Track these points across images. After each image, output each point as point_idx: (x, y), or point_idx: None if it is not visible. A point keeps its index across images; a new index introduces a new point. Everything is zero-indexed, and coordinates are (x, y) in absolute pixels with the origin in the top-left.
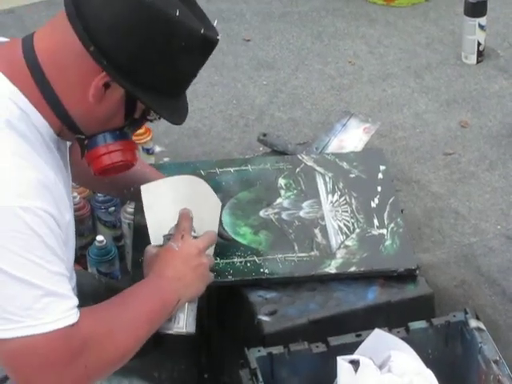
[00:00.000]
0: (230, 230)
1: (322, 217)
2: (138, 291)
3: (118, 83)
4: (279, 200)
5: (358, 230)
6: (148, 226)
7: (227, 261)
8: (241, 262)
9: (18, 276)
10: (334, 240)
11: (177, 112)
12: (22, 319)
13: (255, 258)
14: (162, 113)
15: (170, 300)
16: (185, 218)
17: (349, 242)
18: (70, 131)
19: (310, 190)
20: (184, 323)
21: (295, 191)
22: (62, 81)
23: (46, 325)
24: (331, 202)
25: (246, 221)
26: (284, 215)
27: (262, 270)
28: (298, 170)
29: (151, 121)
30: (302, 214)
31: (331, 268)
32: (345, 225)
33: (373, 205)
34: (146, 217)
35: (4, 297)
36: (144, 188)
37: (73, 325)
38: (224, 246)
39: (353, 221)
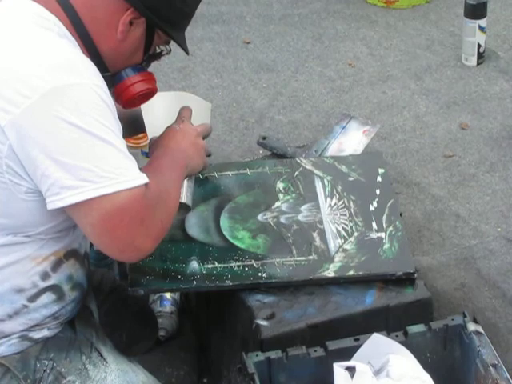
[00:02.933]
0: (228, 234)
1: (321, 220)
2: (163, 163)
3: (147, 17)
4: (277, 204)
5: (356, 234)
6: (147, 132)
7: (225, 265)
8: (239, 267)
9: (107, 139)
10: (333, 244)
11: (185, 43)
12: (116, 176)
13: (253, 262)
14: (180, 42)
15: (184, 167)
16: (185, 109)
17: (347, 246)
18: (96, 66)
19: (309, 194)
20: (184, 195)
21: (293, 195)
22: (93, 19)
23: (134, 180)
24: (330, 205)
25: (245, 225)
26: (282, 219)
27: (260, 274)
28: (296, 173)
29: (162, 55)
30: (300, 217)
31: (329, 272)
32: (343, 228)
33: (371, 208)
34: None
35: (98, 157)
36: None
37: (146, 184)
38: (222, 250)
39: (351, 224)
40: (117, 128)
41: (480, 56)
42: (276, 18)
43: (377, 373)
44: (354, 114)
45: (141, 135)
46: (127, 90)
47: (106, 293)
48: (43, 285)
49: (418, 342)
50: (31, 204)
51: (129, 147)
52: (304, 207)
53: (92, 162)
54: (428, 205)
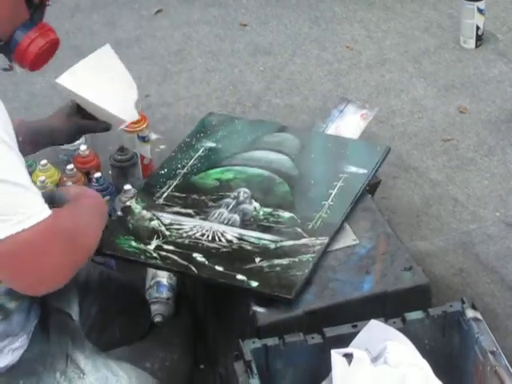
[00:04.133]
0: None
1: None
2: (81, 205)
3: None
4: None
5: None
6: (98, 104)
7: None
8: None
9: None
10: None
11: None
12: (12, 217)
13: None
14: None
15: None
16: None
17: None
18: None
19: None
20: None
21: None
22: None
23: (38, 214)
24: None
25: None
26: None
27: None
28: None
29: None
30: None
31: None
32: None
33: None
34: (88, 98)
35: None
36: (61, 80)
37: (51, 217)
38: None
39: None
40: (10, 155)
41: (479, 38)
42: (273, 1)
43: (374, 359)
44: (351, 97)
45: (136, 119)
46: (27, 52)
47: (94, 291)
48: None
49: (416, 329)
50: None
51: (125, 131)
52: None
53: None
54: (426, 189)
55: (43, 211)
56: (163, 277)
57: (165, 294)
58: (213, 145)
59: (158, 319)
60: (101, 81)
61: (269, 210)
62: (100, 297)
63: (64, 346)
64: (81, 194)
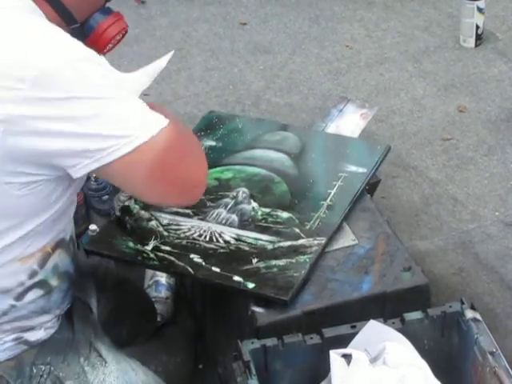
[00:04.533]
0: None
1: None
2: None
3: None
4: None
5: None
6: None
7: None
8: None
9: (118, 97)
10: None
11: None
12: (143, 125)
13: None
14: None
15: None
16: None
17: None
18: (64, 21)
19: None
20: None
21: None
22: None
23: (162, 122)
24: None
25: None
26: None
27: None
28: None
29: None
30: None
31: None
32: None
33: None
34: None
35: (118, 116)
36: None
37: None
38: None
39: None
40: (118, 81)
41: (478, 37)
42: None
43: (373, 360)
44: (351, 96)
45: None
46: (102, 36)
47: (109, 289)
48: (30, 282)
49: (415, 329)
50: (28, 197)
51: None
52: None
53: (114, 122)
54: (426, 189)
55: (162, 118)
56: (162, 276)
57: (163, 293)
58: (213, 143)
59: (157, 319)
60: None
61: (267, 210)
62: (115, 296)
63: (87, 334)
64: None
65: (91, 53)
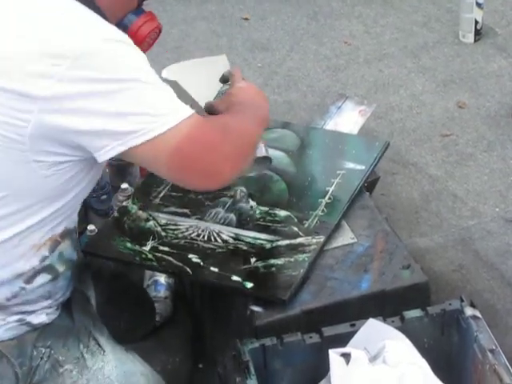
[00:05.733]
0: None
1: None
2: (243, 110)
3: None
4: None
5: None
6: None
7: None
8: None
9: (148, 81)
10: None
11: None
12: (171, 111)
13: None
14: None
15: (264, 119)
16: (235, 69)
17: None
18: None
19: None
20: (264, 149)
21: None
22: None
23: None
24: None
25: None
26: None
27: None
28: None
29: None
30: None
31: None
32: None
33: None
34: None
35: (147, 100)
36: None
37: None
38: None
39: None
40: (149, 66)
41: (477, 33)
42: None
43: (373, 359)
44: (349, 93)
45: None
46: (136, 36)
47: (106, 280)
48: (39, 266)
49: (415, 328)
50: (53, 178)
51: None
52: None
53: (143, 105)
54: (425, 185)
55: (184, 108)
56: (161, 275)
57: (162, 292)
58: None
59: (156, 318)
60: (205, 81)
61: (265, 208)
62: (110, 288)
63: (87, 324)
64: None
65: (128, 38)
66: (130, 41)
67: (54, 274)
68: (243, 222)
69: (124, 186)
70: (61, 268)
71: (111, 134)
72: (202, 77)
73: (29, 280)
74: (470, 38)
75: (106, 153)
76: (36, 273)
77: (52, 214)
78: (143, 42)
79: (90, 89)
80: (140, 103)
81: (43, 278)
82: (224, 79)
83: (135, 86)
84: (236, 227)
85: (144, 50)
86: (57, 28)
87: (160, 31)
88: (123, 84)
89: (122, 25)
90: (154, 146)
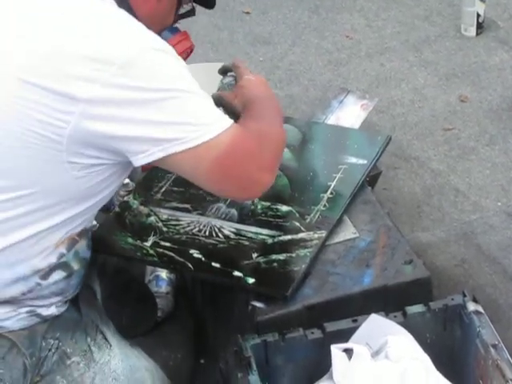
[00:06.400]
0: None
1: None
2: (262, 106)
3: None
4: None
5: None
6: None
7: None
8: None
9: (191, 90)
10: None
11: None
12: (212, 121)
13: None
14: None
15: (278, 110)
16: (239, 61)
17: None
18: None
19: None
20: None
21: None
22: None
23: (229, 120)
24: None
25: None
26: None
27: None
28: None
29: (190, 14)
30: None
31: None
32: None
33: None
34: None
35: (189, 109)
36: None
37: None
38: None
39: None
40: (190, 76)
41: (479, 26)
42: None
43: (375, 354)
44: (351, 86)
45: None
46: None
47: (109, 276)
48: (56, 263)
49: (417, 323)
50: (84, 180)
51: None
52: None
53: (186, 114)
54: (427, 179)
55: (225, 118)
56: (162, 271)
57: (164, 288)
58: None
59: (157, 314)
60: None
61: (267, 203)
62: (114, 283)
63: (94, 318)
64: (256, 98)
65: (172, 48)
66: (173, 51)
67: (69, 271)
68: (245, 217)
69: (125, 180)
70: (76, 266)
71: (152, 140)
72: (201, 83)
73: (45, 276)
74: (472, 31)
75: (144, 157)
76: (52, 269)
77: (76, 214)
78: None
79: (134, 96)
80: (182, 112)
81: (58, 275)
82: (223, 70)
83: (177, 95)
84: (237, 222)
85: None
86: (103, 33)
87: (192, 51)
88: (166, 93)
89: None
90: (195, 155)
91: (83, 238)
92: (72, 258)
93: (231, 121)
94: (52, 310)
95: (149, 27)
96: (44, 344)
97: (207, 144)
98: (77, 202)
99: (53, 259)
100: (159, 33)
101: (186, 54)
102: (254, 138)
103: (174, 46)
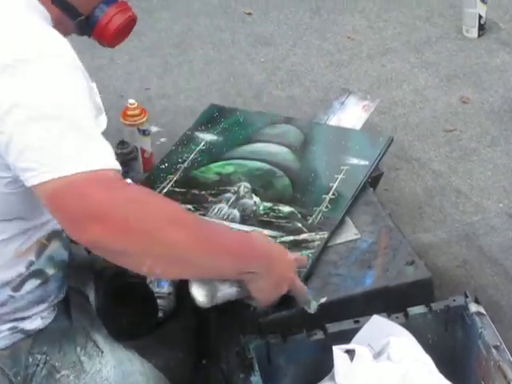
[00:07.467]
0: None
1: None
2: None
3: None
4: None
5: None
6: None
7: None
8: None
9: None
10: None
11: None
12: (75, 158)
13: None
14: None
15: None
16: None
17: None
18: (68, 16)
19: None
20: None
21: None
22: None
23: (89, 164)
24: None
25: None
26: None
27: None
28: None
29: None
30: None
31: None
32: None
33: None
34: None
35: (55, 140)
36: None
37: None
38: None
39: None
40: (87, 105)
41: (481, 27)
42: None
43: (377, 355)
44: (353, 87)
45: (137, 112)
46: (108, 26)
47: (109, 276)
48: (26, 273)
49: (419, 324)
50: (14, 196)
51: (126, 125)
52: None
53: (46, 146)
54: (429, 180)
55: (104, 160)
56: None
57: (166, 288)
58: (214, 137)
59: (159, 314)
60: None
61: (269, 204)
62: (114, 284)
63: (84, 323)
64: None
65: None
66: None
67: (44, 278)
68: (247, 217)
69: (127, 181)
70: (50, 271)
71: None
72: None
73: (17, 288)
74: (474, 32)
75: (28, 179)
76: (24, 279)
77: (29, 228)
78: (116, 33)
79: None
80: (47, 142)
81: (32, 284)
82: None
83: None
84: (239, 223)
85: (118, 41)
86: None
87: (134, 21)
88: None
89: (93, 16)
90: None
91: (55, 241)
92: (45, 263)
93: (91, 164)
94: (37, 323)
95: (83, 4)
96: (31, 360)
97: (48, 182)
98: (21, 218)
99: (21, 268)
100: (96, 6)
101: (126, 28)
102: (116, 195)
103: (112, 17)
